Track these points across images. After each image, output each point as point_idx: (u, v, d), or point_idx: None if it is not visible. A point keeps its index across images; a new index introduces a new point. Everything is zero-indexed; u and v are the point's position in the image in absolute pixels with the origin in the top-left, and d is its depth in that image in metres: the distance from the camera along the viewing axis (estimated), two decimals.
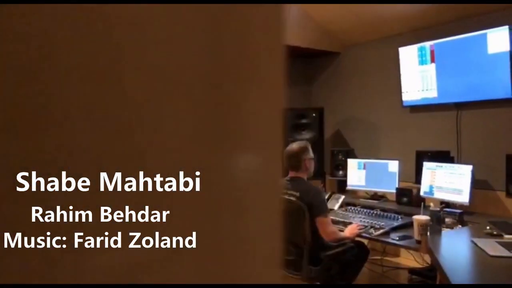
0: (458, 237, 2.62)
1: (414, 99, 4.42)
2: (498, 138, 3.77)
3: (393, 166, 4.04)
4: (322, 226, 2.86)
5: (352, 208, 3.64)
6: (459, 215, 3.04)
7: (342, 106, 5.35)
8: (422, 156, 3.96)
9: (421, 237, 2.64)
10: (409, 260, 4.29)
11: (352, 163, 4.35)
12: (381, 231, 2.97)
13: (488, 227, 2.77)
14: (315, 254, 2.83)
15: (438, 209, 2.74)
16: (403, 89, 4.50)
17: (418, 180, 3.96)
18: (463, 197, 3.25)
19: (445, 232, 2.74)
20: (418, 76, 4.34)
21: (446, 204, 3.52)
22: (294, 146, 3.07)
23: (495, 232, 2.63)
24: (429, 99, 4.27)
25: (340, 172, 4.58)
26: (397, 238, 2.84)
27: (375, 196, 4.19)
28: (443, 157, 3.81)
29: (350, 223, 3.21)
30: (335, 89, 5.47)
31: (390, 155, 4.49)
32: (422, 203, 2.89)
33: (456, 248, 2.39)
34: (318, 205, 2.85)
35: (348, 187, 4.37)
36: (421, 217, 2.69)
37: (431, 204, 2.79)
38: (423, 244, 2.58)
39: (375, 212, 3.44)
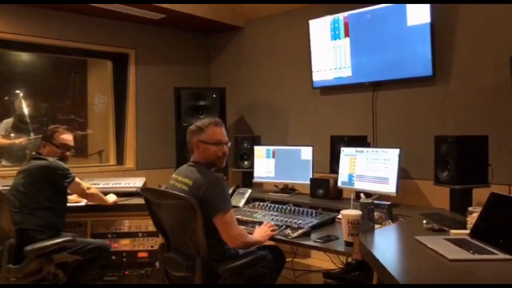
0: (398, 236, 2.07)
1: (325, 79, 3.92)
2: (419, 121, 3.40)
3: (307, 153, 3.47)
4: (224, 228, 2.12)
5: (261, 204, 2.98)
6: (388, 207, 2.54)
7: (246, 88, 4.69)
8: (337, 142, 3.45)
9: (352, 238, 2.05)
10: (322, 261, 3.77)
11: (259, 151, 3.69)
12: (300, 231, 2.33)
13: (424, 221, 2.29)
14: (212, 268, 2.09)
15: (370, 201, 2.17)
16: (313, 68, 3.98)
17: (333, 169, 3.44)
18: (390, 187, 2.77)
19: (379, 230, 2.19)
20: (331, 53, 3.85)
21: (367, 195, 3.03)
22: (194, 124, 2.37)
23: (436, 227, 2.15)
24: (343, 79, 3.79)
25: (246, 163, 3.91)
26: (321, 241, 2.22)
27: (286, 189, 3.59)
28: (360, 143, 3.33)
29: (261, 222, 2.53)
30: (238, 69, 4.79)
31: (301, 142, 3.94)
32: (352, 195, 2.31)
33: (401, 251, 1.82)
34: (215, 200, 2.12)
35: (255, 180, 3.71)
36: (351, 212, 2.10)
37: (362, 196, 2.22)
38: (356, 247, 1.98)
39: (288, 208, 2.81)
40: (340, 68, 3.81)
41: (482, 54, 3.05)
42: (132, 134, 4.61)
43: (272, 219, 2.62)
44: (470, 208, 2.12)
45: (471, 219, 2.09)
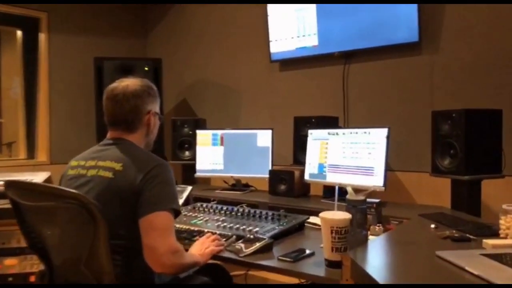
0: (407, 251, 1.35)
1: (286, 49, 3.19)
2: (401, 98, 2.75)
3: (264, 138, 2.71)
4: (152, 237, 1.36)
5: (204, 205, 2.20)
6: (376, 207, 1.84)
7: (188, 63, 3.88)
8: (303, 125, 2.73)
9: (338, 255, 1.33)
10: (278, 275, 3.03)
11: (203, 136, 2.89)
12: (257, 245, 1.57)
13: (433, 226, 1.62)
14: None
15: (363, 197, 1.45)
16: (271, 37, 3.25)
17: (298, 159, 2.72)
18: (375, 179, 2.07)
19: (373, 241, 1.48)
20: (292, 17, 3.13)
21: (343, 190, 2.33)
22: (129, 83, 1.58)
23: (456, 234, 1.46)
24: (307, 49, 3.08)
25: (187, 153, 3.13)
26: (289, 258, 1.47)
27: (238, 185, 2.82)
28: (329, 125, 2.62)
29: (202, 232, 1.76)
30: (178, 42, 3.96)
31: (256, 127, 3.19)
32: (337, 188, 1.57)
33: (424, 277, 1.10)
34: (157, 193, 1.40)
35: (198, 174, 2.91)
36: (335, 216, 1.37)
37: (349, 190, 1.49)
38: (347, 270, 1.25)
39: (240, 210, 2.06)
40: (304, 36, 3.10)
41: (480, 11, 2.43)
42: (45, 122, 3.69)
43: (218, 226, 1.85)
44: (504, 206, 1.45)
45: (507, 222, 1.43)
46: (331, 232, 1.35)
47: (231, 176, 2.82)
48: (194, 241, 1.67)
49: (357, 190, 1.56)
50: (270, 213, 1.97)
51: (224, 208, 2.11)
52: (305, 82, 3.18)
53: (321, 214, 1.40)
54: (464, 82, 2.49)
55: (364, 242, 1.44)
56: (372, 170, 2.09)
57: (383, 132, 2.08)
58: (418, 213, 1.88)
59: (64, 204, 1.29)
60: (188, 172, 3.07)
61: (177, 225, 1.87)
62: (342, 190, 1.94)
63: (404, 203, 2.39)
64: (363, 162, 2.13)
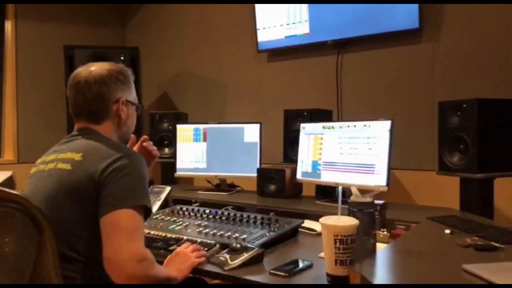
0: (425, 263, 1.12)
1: (274, 38, 2.96)
2: (399, 90, 2.54)
3: (252, 133, 2.47)
4: (115, 239, 1.12)
5: (184, 208, 1.95)
6: (380, 209, 1.61)
7: (169, 54, 3.61)
8: (294, 119, 2.50)
9: (345, 269, 1.09)
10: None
11: (184, 131, 2.63)
12: (245, 255, 1.32)
13: (448, 231, 1.40)
14: None
15: (371, 199, 1.22)
16: (258, 25, 3.01)
17: (289, 156, 2.48)
18: (377, 178, 1.85)
19: (381, 250, 1.25)
20: (282, 3, 2.89)
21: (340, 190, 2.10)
22: (94, 67, 1.35)
23: (479, 242, 1.24)
24: (298, 38, 2.86)
25: (166, 150, 2.86)
26: (283, 272, 1.23)
27: (223, 185, 2.57)
28: (323, 119, 2.39)
29: (180, 239, 1.51)
30: (158, 32, 3.69)
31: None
32: (338, 189, 1.34)
33: None
34: (125, 187, 1.16)
35: (178, 173, 2.65)
36: (340, 222, 1.13)
37: (354, 190, 1.26)
38: (354, 280, 1.02)
39: (225, 213, 1.81)
40: (294, 23, 2.87)
41: None
42: (11, 117, 3.38)
43: (199, 232, 1.60)
44: None
45: None
46: (335, 242, 1.12)
47: (215, 175, 2.57)
48: (171, 251, 1.42)
49: (362, 191, 1.33)
50: (259, 217, 1.73)
51: (207, 211, 1.86)
52: (295, 73, 2.94)
53: (322, 220, 1.17)
54: (469, 72, 2.29)
55: (372, 252, 1.21)
56: (373, 167, 1.86)
57: (385, 125, 1.86)
58: (426, 216, 1.66)
59: (2, 208, 1.03)
60: (167, 171, 2.82)
61: (152, 232, 1.62)
62: (336, 191, 1.71)
63: (405, 205, 2.18)
64: (363, 159, 1.90)
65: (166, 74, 3.62)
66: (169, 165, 2.74)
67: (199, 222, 1.75)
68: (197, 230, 1.63)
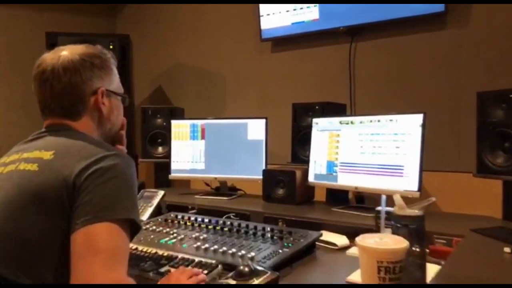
0: None
1: (280, 25, 2.68)
2: (421, 82, 2.26)
3: (257, 129, 2.19)
4: (88, 265, 0.84)
5: (180, 216, 1.67)
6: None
7: (163, 44, 3.33)
8: (304, 113, 2.23)
9: None
10: None
11: (179, 128, 2.35)
12: (256, 281, 1.05)
13: (507, 249, 1.13)
14: None
15: (420, 213, 0.95)
16: (261, 11, 2.73)
17: (298, 155, 2.21)
18: (407, 181, 1.58)
19: (435, 278, 0.97)
20: None
21: (359, 196, 1.83)
22: (63, 53, 1.08)
23: None
24: (306, 24, 2.58)
25: (159, 149, 2.58)
26: None
27: (224, 188, 2.29)
28: (336, 113, 2.12)
29: (174, 258, 1.23)
30: (152, 20, 3.41)
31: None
32: (383, 198, 1.06)
33: None
34: (106, 195, 0.89)
35: (173, 175, 2.36)
36: (384, 242, 0.86)
37: (396, 199, 0.98)
38: None
39: (227, 223, 1.54)
40: (301, 9, 2.59)
41: None
42: None
43: (197, 248, 1.32)
44: None
45: None
46: (379, 270, 0.84)
47: (215, 178, 2.29)
48: (163, 274, 1.15)
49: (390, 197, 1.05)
50: (268, 228, 1.45)
51: (206, 220, 1.59)
52: (302, 64, 2.66)
53: (359, 240, 0.89)
54: (499, 61, 2.02)
55: (421, 281, 0.94)
56: (401, 169, 1.59)
57: (416, 119, 1.58)
58: (469, 228, 1.39)
59: None
60: (161, 173, 2.55)
61: (139, 248, 1.35)
62: (358, 196, 1.43)
63: (435, 213, 1.90)
64: (389, 159, 1.63)
65: (160, 66, 3.34)
66: (163, 166, 2.45)
67: (197, 234, 1.47)
68: (195, 245, 1.35)
